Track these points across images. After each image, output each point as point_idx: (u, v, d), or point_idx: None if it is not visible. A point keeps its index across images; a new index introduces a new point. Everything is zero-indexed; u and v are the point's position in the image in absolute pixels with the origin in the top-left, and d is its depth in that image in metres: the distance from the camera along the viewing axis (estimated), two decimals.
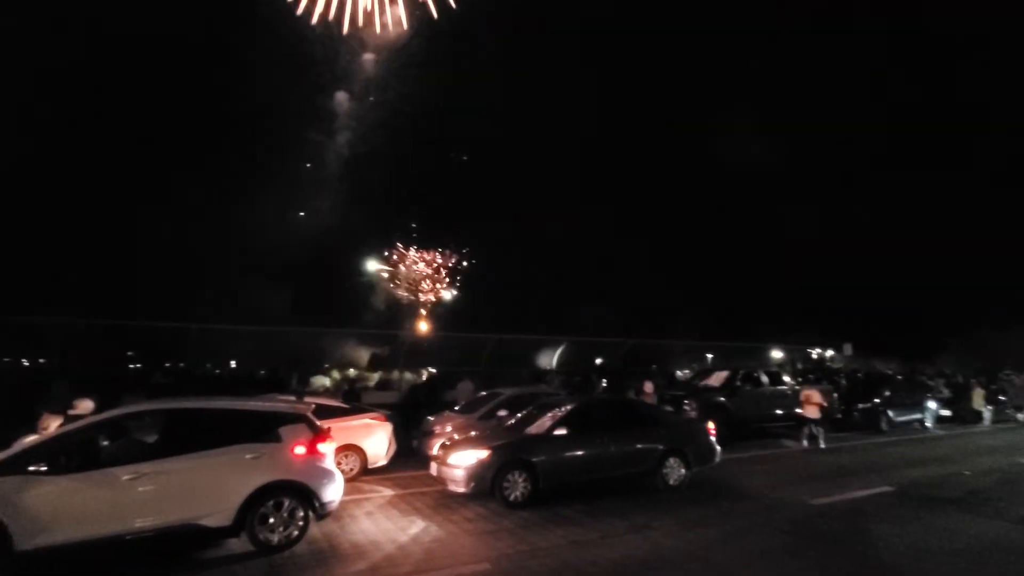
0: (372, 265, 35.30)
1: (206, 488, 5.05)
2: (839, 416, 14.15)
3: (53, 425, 7.04)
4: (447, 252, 36.00)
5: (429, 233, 36.13)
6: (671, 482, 7.63)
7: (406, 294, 35.63)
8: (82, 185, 31.91)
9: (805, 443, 11.62)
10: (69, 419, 6.78)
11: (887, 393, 15.13)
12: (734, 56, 43.22)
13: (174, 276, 33.37)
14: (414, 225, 36.35)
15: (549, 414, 7.87)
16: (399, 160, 36.87)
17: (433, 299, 35.96)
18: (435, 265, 36.09)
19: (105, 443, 5.29)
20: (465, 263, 36.48)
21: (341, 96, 33.18)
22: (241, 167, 34.22)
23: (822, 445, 11.56)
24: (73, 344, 12.27)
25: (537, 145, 40.49)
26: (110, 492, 4.74)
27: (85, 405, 7.49)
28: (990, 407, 16.29)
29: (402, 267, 35.74)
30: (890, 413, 14.56)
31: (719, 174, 40.34)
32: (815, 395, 11.85)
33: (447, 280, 36.27)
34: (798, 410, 12.20)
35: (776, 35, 40.75)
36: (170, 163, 34.34)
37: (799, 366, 21.29)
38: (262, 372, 14.22)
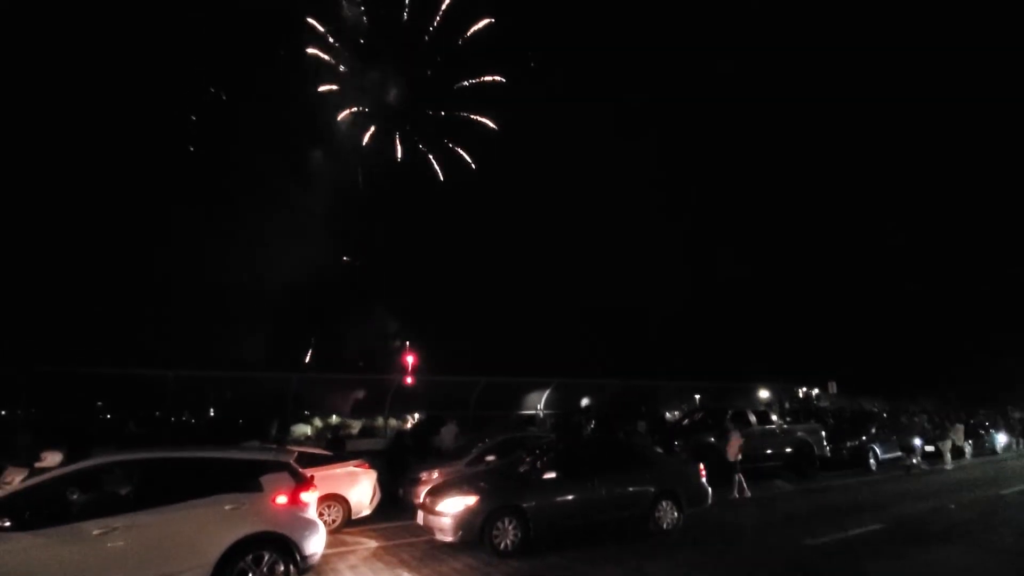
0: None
1: (182, 542, 4.80)
2: (827, 455, 14.11)
3: (17, 479, 6.70)
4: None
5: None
6: (664, 526, 7.45)
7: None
8: (50, 229, 31.32)
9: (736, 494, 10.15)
10: (35, 472, 6.46)
11: (873, 430, 15.24)
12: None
13: (150, 323, 32.59)
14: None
15: (538, 457, 7.73)
16: (372, 209, 37.52)
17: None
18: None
19: (75, 496, 5.02)
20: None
21: (317, 153, 34.57)
22: (220, 214, 34.36)
23: (735, 495, 10.11)
24: (38, 393, 11.77)
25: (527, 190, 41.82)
26: (79, 548, 4.48)
27: (53, 457, 7.18)
28: (969, 442, 16.58)
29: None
30: (877, 450, 14.62)
31: (707, 216, 41.57)
32: (734, 439, 10.41)
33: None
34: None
35: None
36: (146, 208, 34.10)
37: (787, 405, 21.34)
38: (240, 421, 13.78)
